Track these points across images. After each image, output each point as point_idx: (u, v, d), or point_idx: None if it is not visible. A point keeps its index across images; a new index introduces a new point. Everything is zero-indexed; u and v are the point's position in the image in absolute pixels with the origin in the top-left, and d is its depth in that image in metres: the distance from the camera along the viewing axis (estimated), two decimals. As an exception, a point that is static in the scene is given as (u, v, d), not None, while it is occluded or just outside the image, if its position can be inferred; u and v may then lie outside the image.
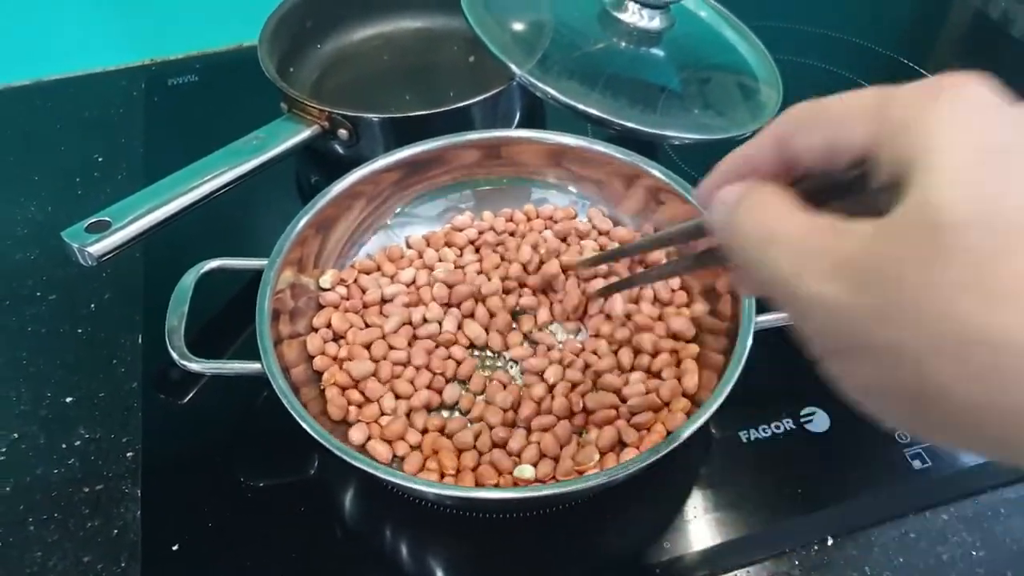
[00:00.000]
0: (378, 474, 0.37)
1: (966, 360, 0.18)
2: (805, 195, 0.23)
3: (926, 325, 0.18)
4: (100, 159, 0.64)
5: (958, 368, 0.18)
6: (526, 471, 0.40)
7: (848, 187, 0.22)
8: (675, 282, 0.48)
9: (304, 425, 0.37)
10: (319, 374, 0.45)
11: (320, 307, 0.48)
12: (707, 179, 0.26)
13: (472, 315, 0.48)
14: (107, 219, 0.46)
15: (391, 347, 0.46)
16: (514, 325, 0.48)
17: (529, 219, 0.53)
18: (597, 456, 0.41)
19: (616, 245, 0.51)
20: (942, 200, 0.18)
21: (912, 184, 0.19)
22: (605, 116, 0.53)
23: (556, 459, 0.41)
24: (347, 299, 0.48)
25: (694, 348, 0.45)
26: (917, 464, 0.43)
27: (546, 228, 0.52)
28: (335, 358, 0.45)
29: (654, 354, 0.45)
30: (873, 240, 0.19)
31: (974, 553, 0.40)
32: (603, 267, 0.48)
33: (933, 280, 0.18)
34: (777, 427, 0.45)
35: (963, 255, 0.18)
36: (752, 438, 0.44)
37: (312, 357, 0.45)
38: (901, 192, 0.19)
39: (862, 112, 0.22)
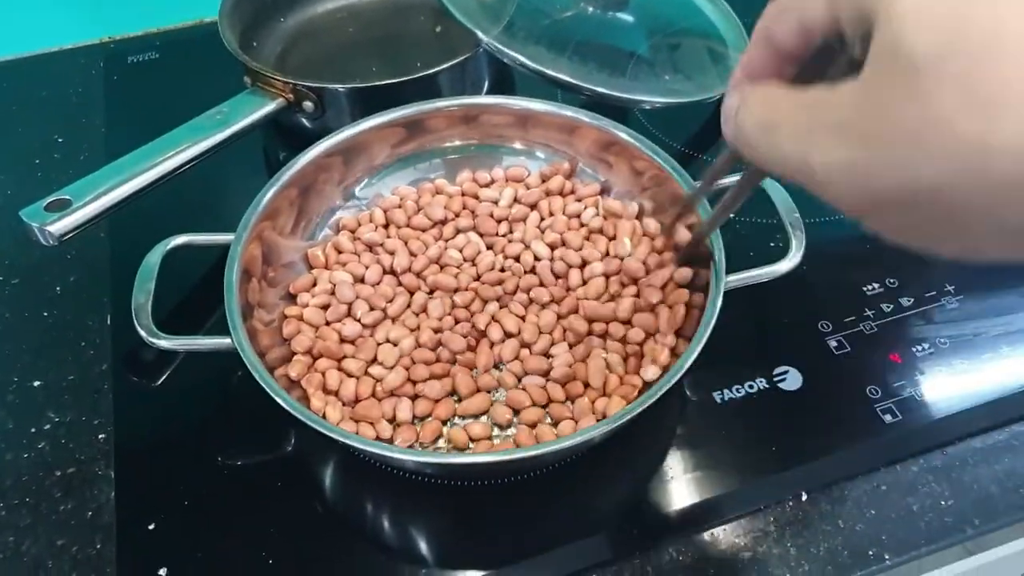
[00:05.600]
0: (354, 444, 0.37)
1: (978, 173, 0.19)
2: (799, 83, 0.24)
3: (935, 156, 0.19)
4: (60, 140, 0.62)
5: (973, 182, 0.19)
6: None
7: (829, 58, 0.24)
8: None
9: (276, 398, 0.37)
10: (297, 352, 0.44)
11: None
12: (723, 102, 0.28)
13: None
14: (67, 197, 0.45)
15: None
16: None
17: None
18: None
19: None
20: (908, 37, 0.19)
21: (878, 31, 0.20)
22: (575, 81, 0.53)
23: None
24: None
25: (683, 294, 0.45)
26: (888, 418, 0.43)
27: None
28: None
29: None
30: (859, 94, 0.20)
31: (943, 503, 0.41)
32: None
33: (926, 113, 0.19)
34: (751, 387, 0.45)
35: (946, 82, 0.18)
36: (726, 398, 0.45)
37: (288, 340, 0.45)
38: (871, 42, 0.20)
39: None
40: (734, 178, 0.44)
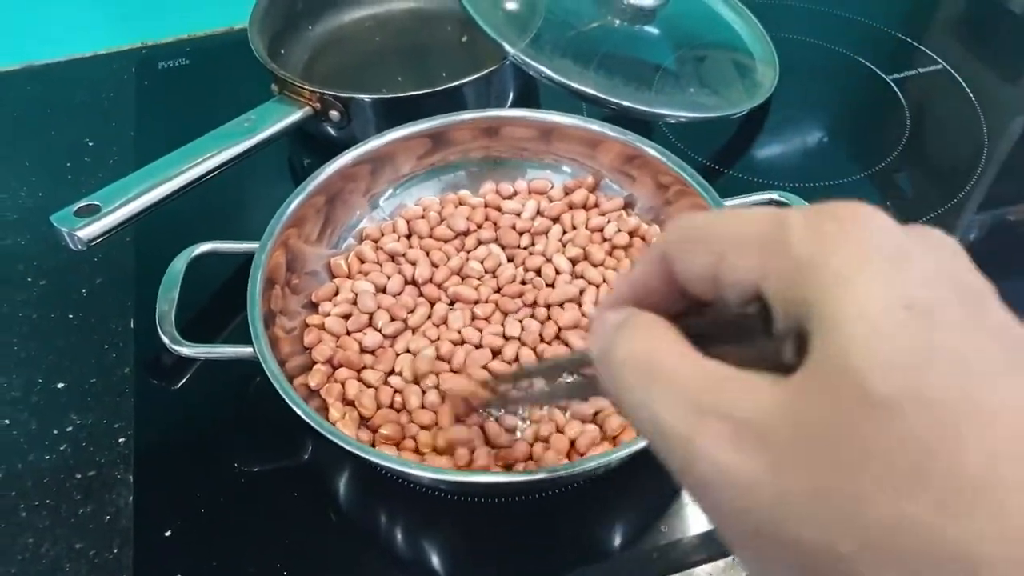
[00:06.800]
0: (371, 458, 0.36)
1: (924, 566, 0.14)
2: (690, 334, 0.19)
3: (870, 529, 0.15)
4: (91, 143, 0.63)
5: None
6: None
7: (741, 329, 0.18)
8: None
9: (296, 409, 0.37)
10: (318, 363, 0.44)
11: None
12: (599, 306, 0.23)
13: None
14: (96, 203, 0.46)
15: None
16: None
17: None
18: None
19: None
20: (864, 368, 0.15)
21: (822, 340, 0.16)
22: (600, 95, 0.53)
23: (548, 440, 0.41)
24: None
25: None
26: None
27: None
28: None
29: None
30: (789, 406, 0.16)
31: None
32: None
33: (871, 472, 0.15)
34: (773, 407, 0.44)
35: (903, 443, 0.14)
36: (748, 419, 0.44)
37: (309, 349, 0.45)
38: (808, 347, 0.16)
39: (750, 241, 0.18)
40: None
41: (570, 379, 0.30)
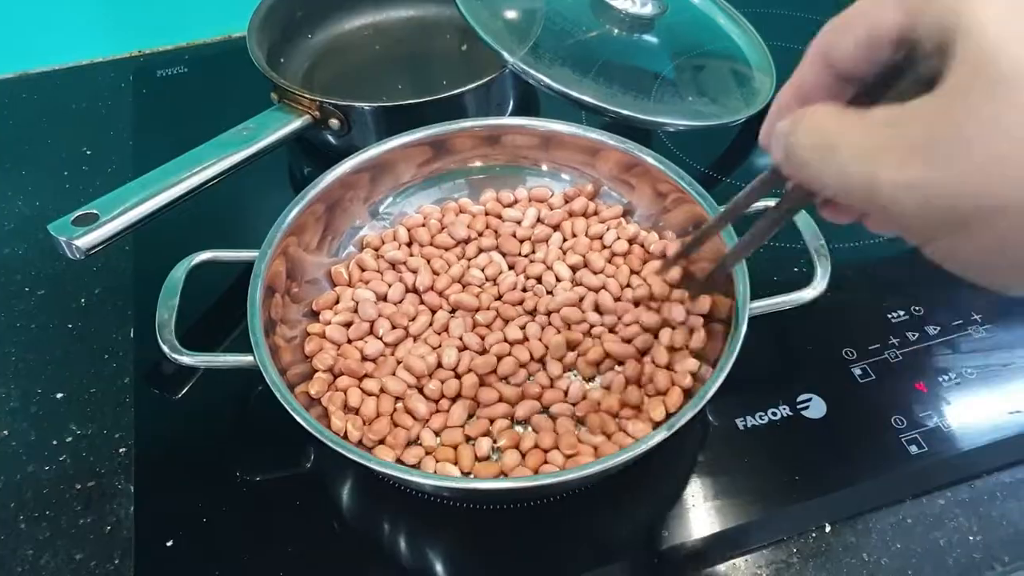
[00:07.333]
0: (373, 466, 0.36)
1: None
2: (855, 103, 0.24)
3: (1019, 176, 0.19)
4: (88, 152, 0.63)
5: None
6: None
7: (896, 75, 0.23)
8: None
9: (297, 417, 0.37)
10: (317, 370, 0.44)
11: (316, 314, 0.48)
12: (764, 124, 0.27)
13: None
14: (94, 212, 0.46)
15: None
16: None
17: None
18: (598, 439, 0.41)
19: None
20: (999, 48, 0.19)
21: (963, 43, 0.19)
22: (599, 103, 0.53)
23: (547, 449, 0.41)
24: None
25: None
26: (914, 449, 0.42)
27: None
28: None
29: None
30: (937, 108, 0.20)
31: (971, 538, 0.40)
32: None
33: (1015, 131, 0.18)
34: (774, 414, 0.44)
35: None
36: (749, 425, 0.44)
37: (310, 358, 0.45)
38: (950, 56, 0.20)
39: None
40: (762, 203, 0.43)
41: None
